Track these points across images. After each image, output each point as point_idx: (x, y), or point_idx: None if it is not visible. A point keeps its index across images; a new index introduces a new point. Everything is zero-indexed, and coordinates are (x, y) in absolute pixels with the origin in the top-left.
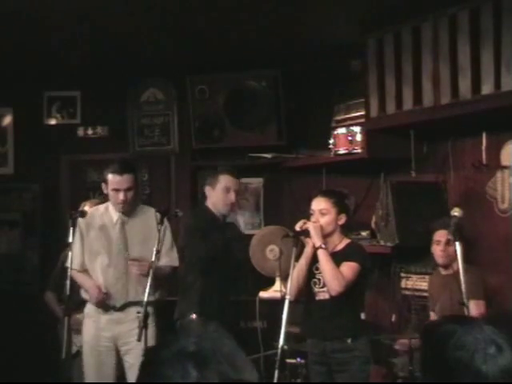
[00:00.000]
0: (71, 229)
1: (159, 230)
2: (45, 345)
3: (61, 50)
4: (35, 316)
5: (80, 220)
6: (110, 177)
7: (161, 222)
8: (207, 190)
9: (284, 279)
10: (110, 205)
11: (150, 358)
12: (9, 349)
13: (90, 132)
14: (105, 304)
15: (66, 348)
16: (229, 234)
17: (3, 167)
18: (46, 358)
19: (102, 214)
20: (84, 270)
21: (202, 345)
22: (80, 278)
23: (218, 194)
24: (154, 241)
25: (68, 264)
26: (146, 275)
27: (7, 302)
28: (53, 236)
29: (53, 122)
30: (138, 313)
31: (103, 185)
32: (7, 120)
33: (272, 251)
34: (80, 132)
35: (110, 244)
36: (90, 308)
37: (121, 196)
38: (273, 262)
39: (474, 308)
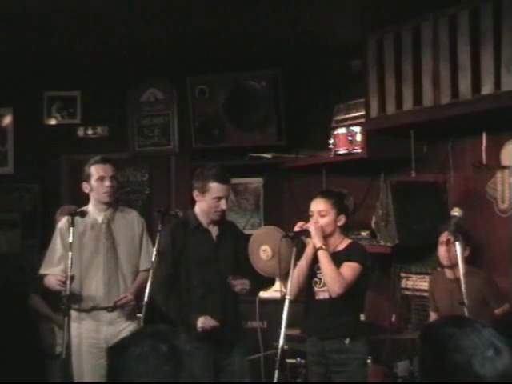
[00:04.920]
0: (71, 229)
1: (159, 231)
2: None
3: (61, 50)
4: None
5: (61, 225)
6: (93, 168)
7: (161, 222)
8: (196, 195)
9: (280, 279)
10: (90, 206)
11: (116, 345)
12: (8, 349)
13: (89, 132)
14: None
15: (65, 348)
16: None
17: (3, 167)
18: (46, 357)
19: (84, 218)
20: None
21: (158, 326)
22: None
23: (208, 203)
24: (137, 239)
25: (44, 270)
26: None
27: (7, 302)
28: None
29: (53, 121)
30: (139, 313)
31: (84, 184)
32: (7, 120)
33: (265, 251)
34: (80, 132)
35: (97, 244)
36: (77, 312)
37: (107, 183)
38: (266, 261)
39: (502, 313)
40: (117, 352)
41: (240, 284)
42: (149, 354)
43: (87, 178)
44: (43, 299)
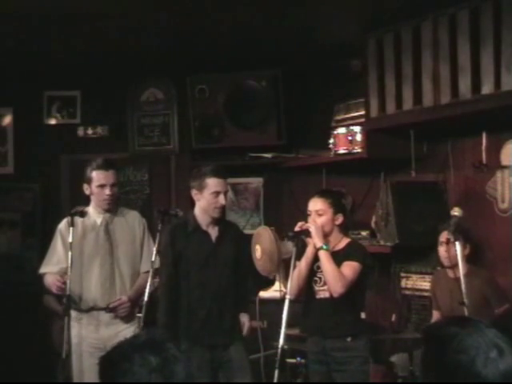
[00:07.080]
0: (71, 229)
1: (159, 231)
2: (45, 345)
3: (61, 50)
4: (35, 316)
5: (61, 226)
6: (94, 174)
7: (162, 222)
8: (194, 193)
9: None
10: (90, 208)
11: (106, 358)
12: (8, 349)
13: (89, 132)
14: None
15: (66, 348)
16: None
17: (3, 167)
18: (46, 357)
19: (83, 219)
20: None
21: (152, 333)
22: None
23: (207, 199)
24: (138, 241)
25: (44, 269)
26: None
27: (7, 302)
28: (52, 236)
29: (53, 121)
30: (139, 313)
31: (85, 185)
32: (7, 120)
33: (257, 251)
34: (80, 132)
35: (95, 245)
36: (76, 312)
37: (107, 191)
38: (257, 261)
39: (503, 313)
40: (106, 365)
41: (246, 328)
42: (137, 370)
43: (88, 181)
44: (57, 299)
